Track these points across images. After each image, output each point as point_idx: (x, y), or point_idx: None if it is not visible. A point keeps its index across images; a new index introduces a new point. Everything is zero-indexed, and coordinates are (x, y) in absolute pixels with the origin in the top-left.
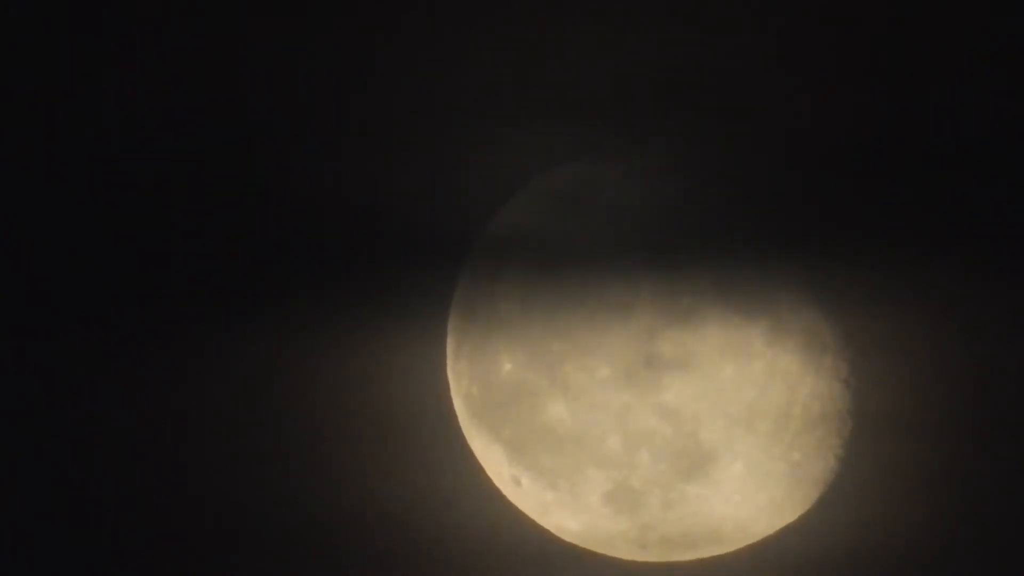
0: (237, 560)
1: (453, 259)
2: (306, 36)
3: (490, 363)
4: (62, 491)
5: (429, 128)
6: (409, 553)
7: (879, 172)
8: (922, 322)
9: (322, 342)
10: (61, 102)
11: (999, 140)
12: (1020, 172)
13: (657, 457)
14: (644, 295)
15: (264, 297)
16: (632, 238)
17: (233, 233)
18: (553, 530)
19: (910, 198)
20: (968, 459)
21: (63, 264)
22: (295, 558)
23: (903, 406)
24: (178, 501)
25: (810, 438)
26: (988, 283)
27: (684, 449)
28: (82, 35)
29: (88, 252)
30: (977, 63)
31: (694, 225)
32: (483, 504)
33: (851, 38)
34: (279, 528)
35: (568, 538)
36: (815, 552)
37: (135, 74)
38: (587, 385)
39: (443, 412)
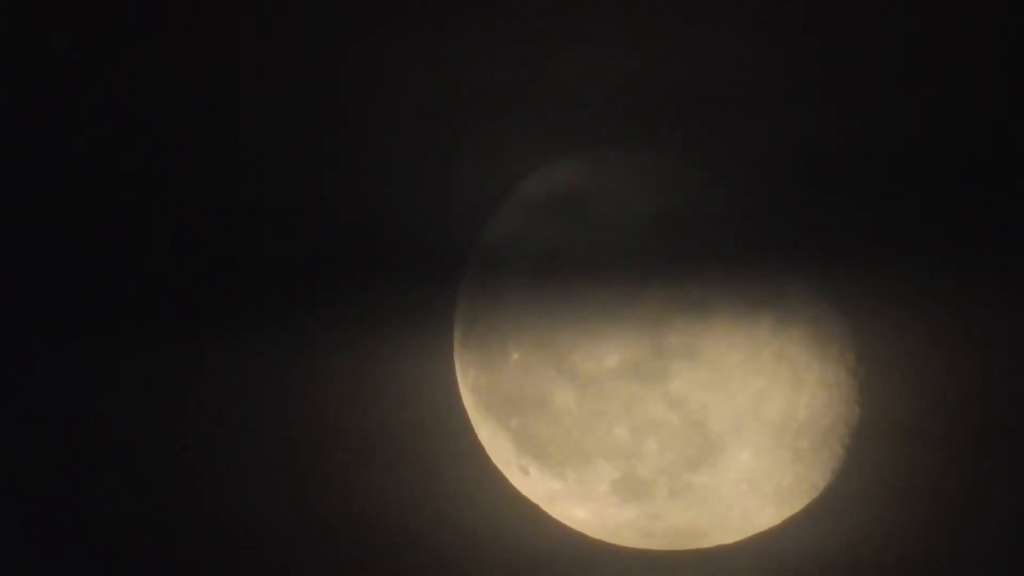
0: (242, 555)
1: (458, 250)
2: (289, 34)
3: (497, 353)
4: (70, 503)
5: (425, 124)
6: (416, 543)
7: (889, 170)
8: (929, 316)
9: (326, 338)
10: (54, 110)
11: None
12: None
13: (664, 446)
14: (652, 285)
15: (267, 299)
16: (638, 231)
17: (234, 242)
18: (560, 519)
19: (920, 198)
20: (973, 451)
21: (62, 275)
22: (301, 551)
23: (910, 395)
24: (185, 497)
25: (817, 427)
26: (994, 282)
27: (691, 438)
28: (66, 36)
29: (88, 263)
30: (991, 66)
31: (701, 218)
32: (491, 493)
33: (865, 40)
34: (284, 522)
35: (575, 527)
36: (822, 541)
37: (126, 79)
38: (594, 374)
39: (450, 402)
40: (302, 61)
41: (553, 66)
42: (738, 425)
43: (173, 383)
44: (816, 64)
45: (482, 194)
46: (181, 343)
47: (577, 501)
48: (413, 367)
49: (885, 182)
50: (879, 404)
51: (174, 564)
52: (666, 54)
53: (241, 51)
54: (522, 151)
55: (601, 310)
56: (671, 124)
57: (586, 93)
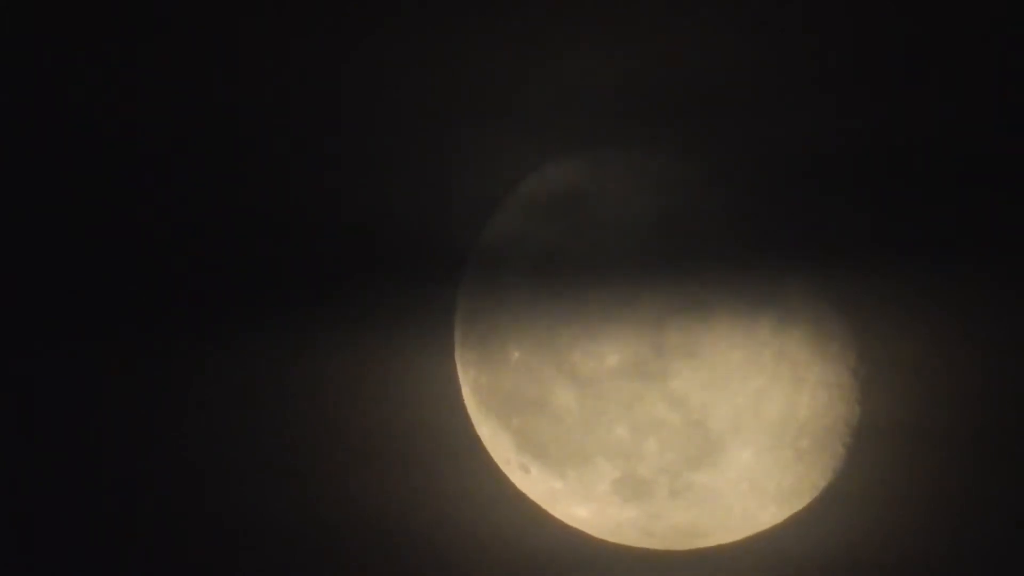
0: (242, 555)
1: (458, 250)
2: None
3: (498, 352)
4: (70, 503)
5: (425, 124)
6: (416, 543)
7: (889, 170)
8: (929, 316)
9: (327, 338)
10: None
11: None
12: None
13: (665, 446)
14: (652, 285)
15: (267, 299)
16: (638, 231)
17: (234, 243)
18: (561, 518)
19: (920, 198)
20: (973, 451)
21: (62, 275)
22: (301, 551)
23: (911, 395)
24: (185, 497)
25: (818, 426)
26: (994, 282)
27: (692, 438)
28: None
29: (88, 263)
30: (991, 66)
31: (701, 218)
32: (491, 492)
33: (864, 40)
34: (284, 522)
35: (576, 526)
36: (823, 541)
37: (127, 79)
38: (595, 374)
39: (451, 401)
40: (302, 61)
41: (553, 66)
42: (739, 424)
43: (173, 383)
44: (816, 64)
45: (482, 194)
46: (181, 343)
47: (578, 500)
48: (414, 367)
49: (885, 182)
50: (880, 403)
51: (174, 564)
52: (666, 54)
53: (241, 51)
54: (522, 151)
55: (601, 310)
56: (671, 124)
57: (586, 93)
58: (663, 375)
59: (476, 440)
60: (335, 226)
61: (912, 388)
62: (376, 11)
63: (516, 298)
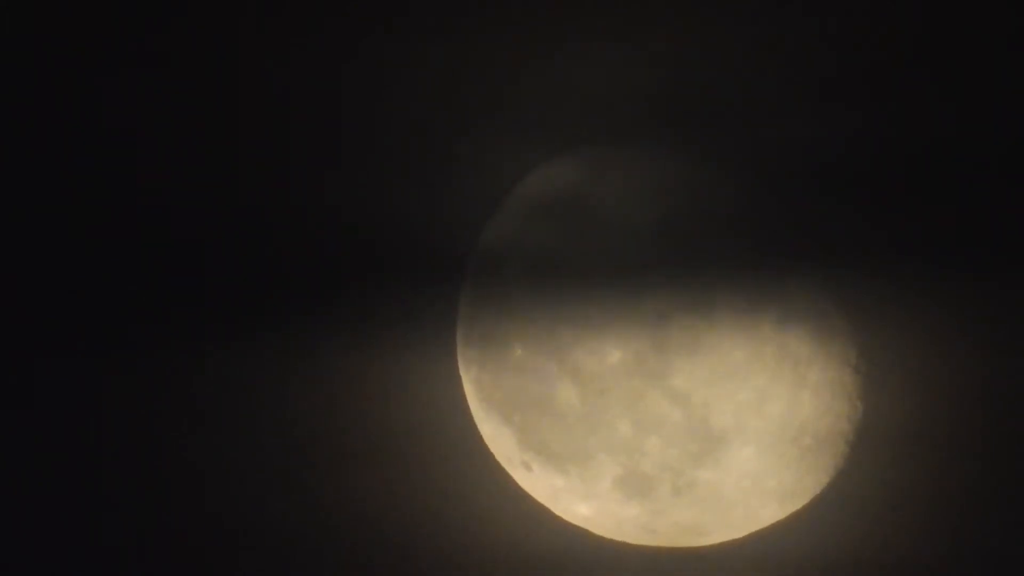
0: (242, 555)
1: (459, 249)
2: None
3: (500, 350)
4: (72, 503)
5: (425, 124)
6: (417, 541)
7: (891, 170)
8: (930, 314)
9: (329, 339)
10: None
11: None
12: None
13: (667, 443)
14: (654, 283)
15: (269, 300)
16: (639, 230)
17: (235, 244)
18: (563, 515)
19: (922, 198)
20: (973, 451)
21: (62, 275)
22: (301, 551)
23: (912, 393)
24: (185, 497)
25: (820, 424)
26: (994, 282)
27: (694, 435)
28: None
29: (88, 264)
30: (993, 68)
31: (703, 217)
32: (493, 490)
33: (864, 40)
34: (284, 522)
35: (578, 523)
36: (825, 539)
37: (127, 79)
38: (597, 371)
39: (453, 399)
40: (302, 61)
41: (554, 66)
42: (741, 422)
43: (175, 385)
44: (817, 64)
45: (482, 194)
46: (183, 345)
47: (580, 498)
48: (415, 365)
49: (886, 181)
50: (881, 402)
51: (174, 564)
52: (666, 54)
53: (241, 51)
54: (522, 151)
55: (603, 307)
56: (671, 124)
57: (586, 93)
58: (665, 372)
59: (478, 438)
60: (335, 227)
61: (912, 387)
62: (376, 11)
63: (518, 296)
